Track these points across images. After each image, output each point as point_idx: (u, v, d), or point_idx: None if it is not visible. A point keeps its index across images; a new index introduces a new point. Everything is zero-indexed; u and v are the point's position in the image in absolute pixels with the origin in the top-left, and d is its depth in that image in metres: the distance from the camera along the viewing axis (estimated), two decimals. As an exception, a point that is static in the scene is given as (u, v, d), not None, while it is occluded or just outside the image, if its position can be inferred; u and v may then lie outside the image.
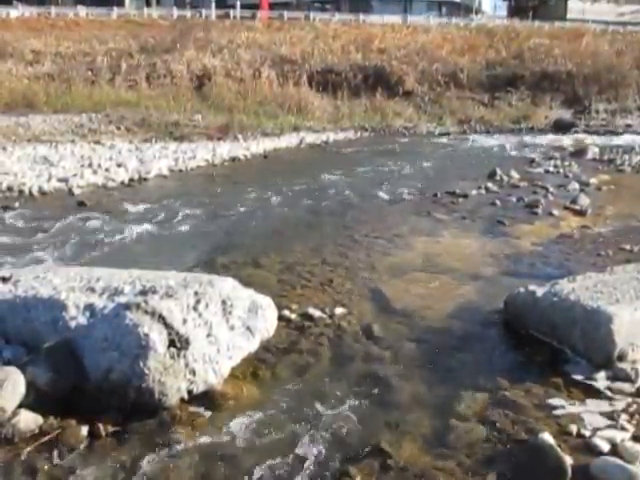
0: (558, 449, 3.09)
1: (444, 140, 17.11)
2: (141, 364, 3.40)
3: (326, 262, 6.32)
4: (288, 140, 15.58)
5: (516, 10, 43.66)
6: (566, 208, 8.60)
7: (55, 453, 3.17)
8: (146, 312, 3.54)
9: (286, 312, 4.84)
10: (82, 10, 30.87)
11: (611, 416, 3.47)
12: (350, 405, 3.65)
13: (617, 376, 3.87)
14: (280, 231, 7.61)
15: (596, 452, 3.15)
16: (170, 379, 3.45)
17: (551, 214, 8.29)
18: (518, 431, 3.36)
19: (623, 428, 3.34)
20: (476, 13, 42.53)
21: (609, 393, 3.72)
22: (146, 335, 3.43)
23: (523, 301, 4.67)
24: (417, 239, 7.20)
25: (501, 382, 3.89)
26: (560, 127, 19.08)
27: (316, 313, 4.90)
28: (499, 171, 10.99)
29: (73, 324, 3.67)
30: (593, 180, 10.60)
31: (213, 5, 33.07)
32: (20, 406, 3.34)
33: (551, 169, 11.97)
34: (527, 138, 17.30)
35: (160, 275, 4.17)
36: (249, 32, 26.00)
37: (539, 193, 9.56)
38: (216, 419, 3.50)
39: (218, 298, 3.87)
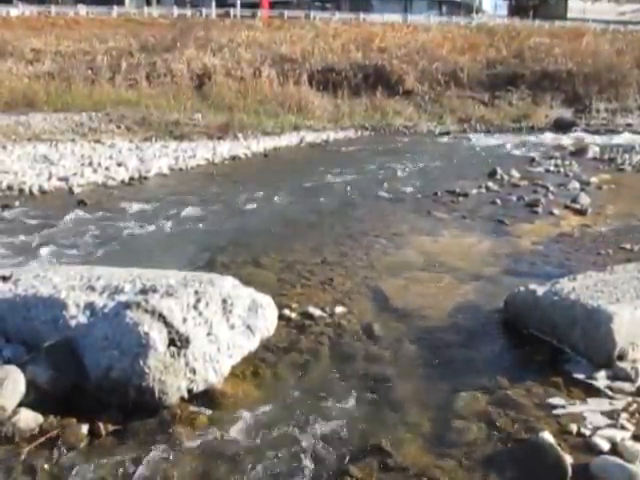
0: (558, 448, 3.09)
1: (444, 139, 17.11)
2: (141, 363, 3.40)
3: (326, 261, 6.32)
4: (288, 139, 15.59)
5: (516, 9, 43.68)
6: (566, 207, 8.60)
7: (55, 452, 3.16)
8: (146, 311, 3.54)
9: (286, 311, 4.84)
10: (82, 9, 30.84)
11: (611, 415, 3.47)
12: (350, 404, 3.65)
13: (617, 375, 3.86)
14: (280, 230, 7.61)
15: (596, 451, 3.15)
16: (170, 378, 3.45)
17: (551, 213, 8.29)
18: (518, 430, 3.36)
19: (623, 427, 3.34)
20: (476, 12, 42.52)
21: (609, 392, 3.72)
22: (146, 334, 3.43)
23: (523, 300, 4.67)
24: (417, 238, 7.20)
25: (501, 381, 3.89)
26: (560, 126, 19.08)
27: (316, 312, 4.90)
28: (499, 170, 10.99)
29: (73, 323, 3.67)
30: (593, 179, 10.60)
31: (213, 4, 33.03)
32: (20, 405, 3.34)
33: (551, 168, 11.96)
34: (527, 137, 17.30)
35: (160, 274, 4.16)
36: (249, 31, 25.98)
37: (539, 192, 9.56)
38: (216, 418, 3.50)
39: (218, 297, 3.87)
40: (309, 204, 9.01)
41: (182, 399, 3.54)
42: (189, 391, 3.56)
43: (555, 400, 3.65)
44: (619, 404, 3.59)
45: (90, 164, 10.98)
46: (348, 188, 10.12)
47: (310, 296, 5.32)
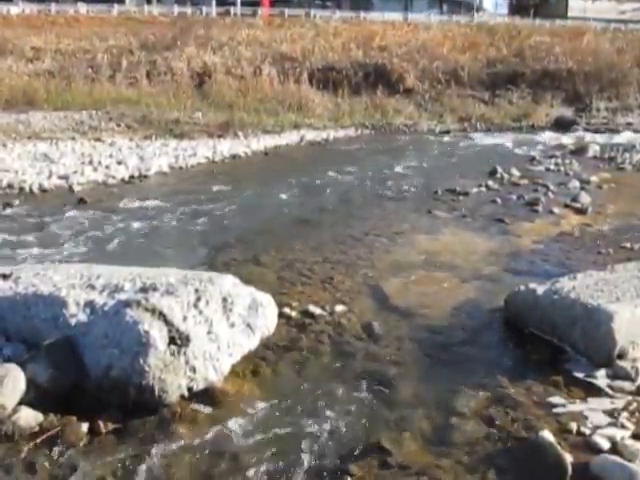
0: (558, 447, 3.09)
1: (445, 138, 17.09)
2: (141, 361, 3.40)
3: (326, 259, 6.32)
4: (289, 138, 15.57)
5: (517, 8, 43.62)
6: (567, 206, 8.59)
7: (55, 450, 3.17)
8: (146, 309, 3.54)
9: (286, 310, 4.84)
10: (82, 7, 30.81)
11: (611, 414, 3.47)
12: (350, 402, 3.65)
13: (617, 374, 3.87)
14: (280, 228, 7.61)
15: (596, 450, 3.15)
16: (170, 376, 3.45)
17: (552, 212, 8.29)
18: (518, 429, 3.36)
19: (623, 426, 3.34)
20: (477, 11, 42.46)
21: (609, 391, 3.72)
22: (146, 332, 3.43)
23: (524, 299, 4.67)
24: (417, 237, 7.20)
25: (501, 380, 3.89)
26: (561, 125, 19.07)
27: (316, 311, 4.90)
28: (500, 169, 10.99)
29: (73, 321, 3.67)
30: (594, 178, 10.59)
31: (214, 2, 32.99)
32: (20, 403, 3.35)
33: (552, 167, 11.96)
34: (528, 136, 17.28)
35: (160, 272, 4.16)
36: (250, 29, 25.94)
37: (540, 191, 9.55)
38: (216, 416, 3.50)
39: (218, 295, 3.87)
40: (309, 203, 9.01)
41: (182, 397, 3.54)
42: (189, 389, 3.56)
43: (555, 399, 3.65)
44: (619, 403, 3.59)
45: (90, 162, 10.97)
46: (348, 187, 10.12)
47: (310, 295, 5.32)
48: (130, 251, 6.63)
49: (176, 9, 31.85)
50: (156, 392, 3.41)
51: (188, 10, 32.09)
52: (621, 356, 3.95)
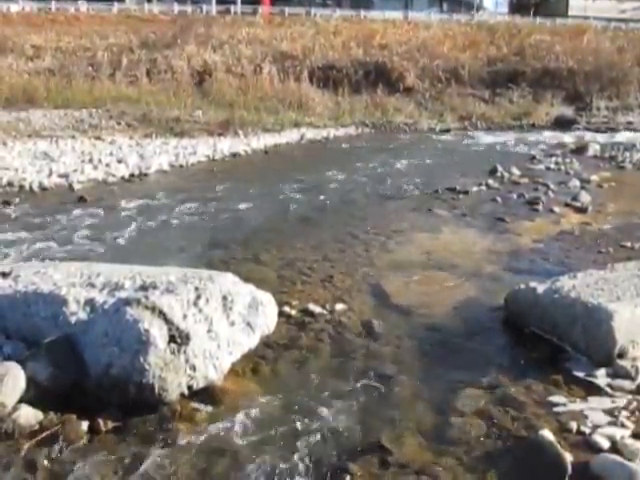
0: (558, 446, 3.09)
1: (445, 137, 17.09)
2: (141, 359, 3.40)
3: (326, 258, 6.32)
4: (289, 136, 15.57)
5: (517, 7, 43.54)
6: (567, 205, 8.59)
7: (55, 448, 3.17)
8: (146, 307, 3.54)
9: (286, 308, 4.84)
10: (83, 5, 30.81)
11: (611, 413, 3.47)
12: (350, 401, 3.65)
13: (617, 373, 3.87)
14: (280, 227, 7.61)
15: (596, 449, 3.15)
16: (170, 375, 3.45)
17: (552, 211, 8.28)
18: (518, 428, 3.36)
19: (623, 425, 3.34)
20: (477, 9, 42.43)
21: (609, 390, 3.72)
22: (146, 331, 3.43)
23: (524, 298, 4.67)
24: (417, 235, 7.20)
25: (501, 379, 3.89)
26: (561, 124, 19.06)
27: (316, 309, 4.90)
28: (500, 168, 10.98)
29: (73, 319, 3.67)
30: (594, 177, 10.59)
31: (214, 1, 32.99)
32: (20, 401, 3.35)
33: (552, 166, 11.95)
34: (528, 135, 17.28)
35: (160, 271, 4.16)
36: (250, 28, 25.93)
37: (540, 190, 9.55)
38: (216, 415, 3.50)
39: (218, 294, 3.87)
40: (309, 201, 9.00)
41: (182, 396, 3.54)
42: (189, 388, 3.56)
43: (555, 398, 3.65)
44: (619, 402, 3.59)
45: (90, 161, 10.97)
46: (348, 185, 10.11)
47: (310, 293, 5.31)
48: (130, 249, 6.62)
49: (176, 7, 31.83)
50: (156, 390, 3.41)
51: (188, 8, 32.09)
52: (621, 355, 3.95)
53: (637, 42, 25.14)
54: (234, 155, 12.88)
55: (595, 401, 3.62)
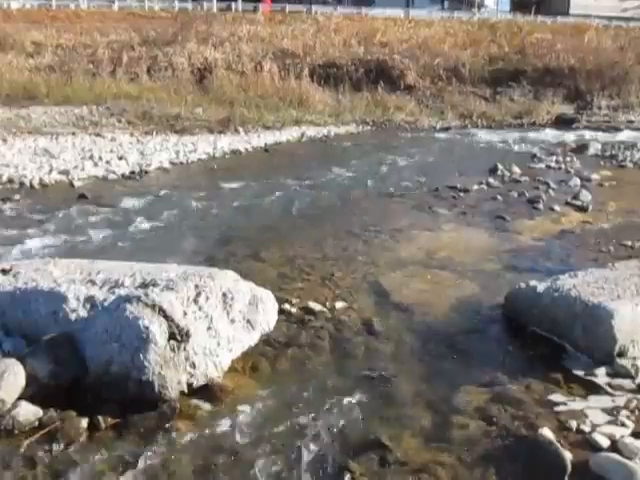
0: (558, 445, 3.09)
1: (445, 135, 17.07)
2: (141, 357, 3.40)
3: (327, 256, 6.32)
4: (289, 134, 15.54)
5: (519, 5, 43.47)
6: (567, 204, 8.58)
7: (55, 445, 3.17)
8: (146, 305, 3.54)
9: (286, 306, 4.84)
10: (83, 2, 30.78)
11: (611, 412, 3.47)
12: (350, 399, 3.65)
13: (617, 372, 3.87)
14: (281, 225, 7.60)
15: (596, 448, 3.15)
16: (170, 372, 3.45)
17: (552, 209, 8.28)
18: (518, 426, 3.36)
19: (623, 424, 3.34)
20: (479, 7, 42.42)
21: (609, 389, 3.72)
22: (146, 328, 3.43)
23: (524, 296, 4.67)
24: (418, 233, 7.19)
25: (501, 377, 3.89)
26: (562, 122, 19.02)
27: (316, 307, 4.90)
28: (500, 166, 10.97)
29: (73, 316, 3.67)
30: (595, 176, 10.58)
31: (214, -2, 32.98)
32: (20, 398, 3.34)
33: (553, 164, 11.93)
34: (529, 133, 17.25)
35: (160, 268, 4.16)
36: (251, 25, 25.89)
37: (540, 188, 9.53)
38: (216, 412, 3.50)
39: (219, 291, 3.87)
40: (310, 199, 9.00)
41: (182, 393, 3.54)
42: (189, 385, 3.56)
43: (555, 397, 3.65)
44: (619, 401, 3.59)
45: (91, 157, 10.95)
46: (349, 183, 10.11)
47: (310, 291, 5.31)
48: (130, 246, 6.62)
49: (177, 4, 31.83)
50: (156, 388, 3.41)
51: (189, 5, 32.08)
52: (621, 354, 3.95)
53: (638, 41, 25.10)
54: (234, 153, 12.86)
55: (595, 400, 3.62)
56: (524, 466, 3.06)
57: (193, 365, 3.55)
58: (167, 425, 3.35)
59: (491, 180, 10.10)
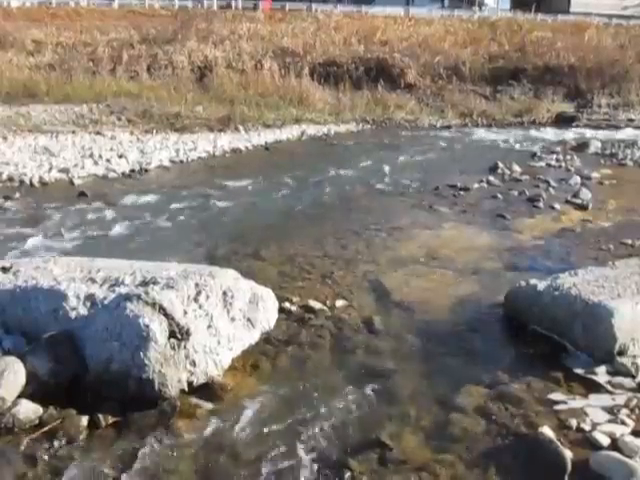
0: (558, 443, 3.10)
1: (446, 133, 17.04)
2: (141, 355, 3.40)
3: (327, 254, 6.31)
4: (289, 132, 15.52)
5: (519, 3, 43.29)
6: (568, 202, 8.58)
7: (55, 443, 3.17)
8: (147, 303, 3.54)
9: (287, 304, 4.84)
10: (83, 0, 30.74)
11: (611, 411, 3.48)
12: (350, 397, 3.66)
13: (618, 371, 3.87)
14: (281, 223, 7.60)
15: (596, 446, 3.16)
16: (170, 370, 3.45)
17: (553, 208, 8.27)
18: (518, 425, 3.37)
19: (623, 423, 3.34)
20: (479, 6, 42.33)
21: (609, 388, 3.73)
22: (147, 326, 3.43)
23: (524, 295, 4.67)
24: (418, 232, 7.19)
25: (501, 376, 3.89)
26: (562, 121, 18.99)
27: (317, 305, 4.90)
28: (501, 164, 10.96)
29: (73, 314, 3.67)
30: (595, 174, 10.57)
31: (215, -4, 32.94)
32: (20, 396, 3.35)
33: (553, 163, 11.92)
34: (529, 132, 17.23)
35: (161, 266, 4.16)
36: (251, 23, 25.84)
37: (541, 187, 9.53)
38: (216, 410, 3.51)
39: (219, 289, 3.87)
40: (310, 197, 8.99)
41: (182, 391, 3.54)
42: (189, 383, 3.56)
43: (555, 395, 3.66)
44: (619, 399, 3.60)
45: (91, 156, 10.94)
46: (349, 181, 10.10)
47: (311, 289, 5.32)
48: (130, 245, 6.62)
49: (177, 2, 31.78)
50: (156, 386, 3.42)
51: (189, 3, 32.02)
52: (621, 353, 3.95)
53: (639, 39, 25.07)
54: (235, 151, 12.84)
55: (595, 398, 3.63)
56: (524, 464, 3.06)
57: (193, 363, 3.55)
58: (167, 423, 3.35)
59: (491, 178, 10.09)
